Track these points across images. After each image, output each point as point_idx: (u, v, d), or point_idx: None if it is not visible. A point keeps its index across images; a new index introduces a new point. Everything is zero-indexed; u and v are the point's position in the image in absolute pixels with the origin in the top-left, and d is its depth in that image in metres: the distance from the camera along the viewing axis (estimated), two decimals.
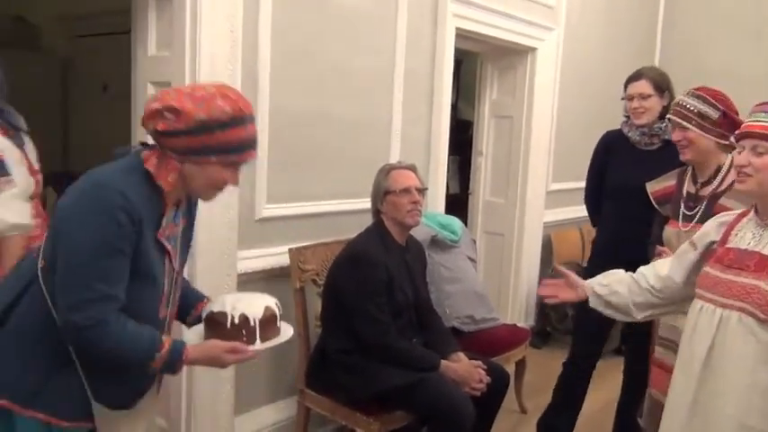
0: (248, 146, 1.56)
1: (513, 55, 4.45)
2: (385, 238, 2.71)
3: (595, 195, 3.12)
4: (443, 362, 2.63)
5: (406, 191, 2.69)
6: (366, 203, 2.84)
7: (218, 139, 1.49)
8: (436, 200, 3.79)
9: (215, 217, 2.64)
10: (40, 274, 1.48)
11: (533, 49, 4.42)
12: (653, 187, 2.61)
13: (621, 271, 2.08)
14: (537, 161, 4.56)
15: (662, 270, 1.97)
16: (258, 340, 1.61)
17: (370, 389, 2.56)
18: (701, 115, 2.28)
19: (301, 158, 3.05)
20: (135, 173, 1.49)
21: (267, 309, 1.64)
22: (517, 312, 4.66)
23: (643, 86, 2.83)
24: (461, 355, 2.73)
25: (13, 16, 5.23)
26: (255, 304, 1.63)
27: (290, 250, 2.85)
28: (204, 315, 1.66)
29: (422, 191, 2.76)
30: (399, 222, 2.71)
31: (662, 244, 2.42)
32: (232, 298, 1.65)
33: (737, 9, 5.40)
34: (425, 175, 3.48)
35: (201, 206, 2.57)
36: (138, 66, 2.72)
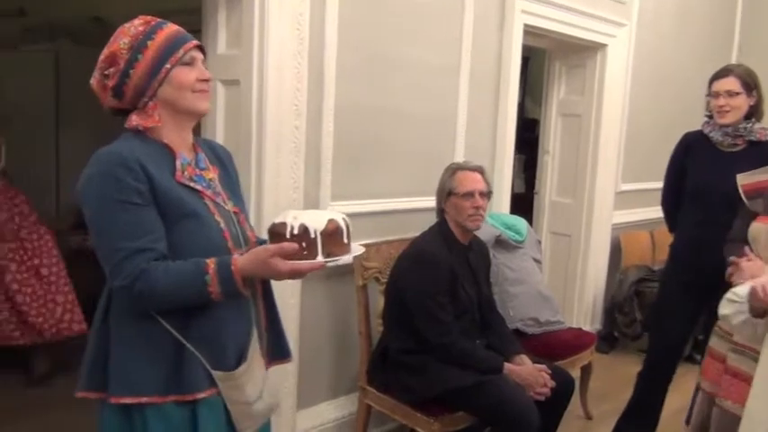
0: (183, 37, 1.57)
1: (582, 52, 4.35)
2: (448, 238, 2.68)
3: (673, 198, 3.01)
4: (507, 364, 2.58)
5: (470, 194, 2.65)
6: (430, 202, 2.82)
7: (155, 48, 1.52)
8: (501, 199, 3.73)
9: (280, 213, 2.66)
10: None
11: (603, 46, 4.30)
12: (744, 180, 2.48)
13: None
14: (606, 161, 4.44)
15: None
16: (320, 254, 1.47)
17: (431, 389, 2.54)
18: None
19: (366, 156, 3.05)
20: (131, 138, 1.54)
21: (331, 221, 1.50)
22: (583, 315, 4.55)
23: (731, 83, 2.71)
24: (525, 357, 2.68)
25: (91, 17, 5.45)
26: (319, 216, 1.51)
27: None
28: (268, 228, 1.57)
29: (487, 194, 2.71)
30: (460, 225, 2.68)
31: (745, 241, 2.30)
32: (297, 211, 1.55)
33: None
34: (490, 174, 3.43)
35: (266, 204, 2.63)
36: (208, 64, 2.76)
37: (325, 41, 2.79)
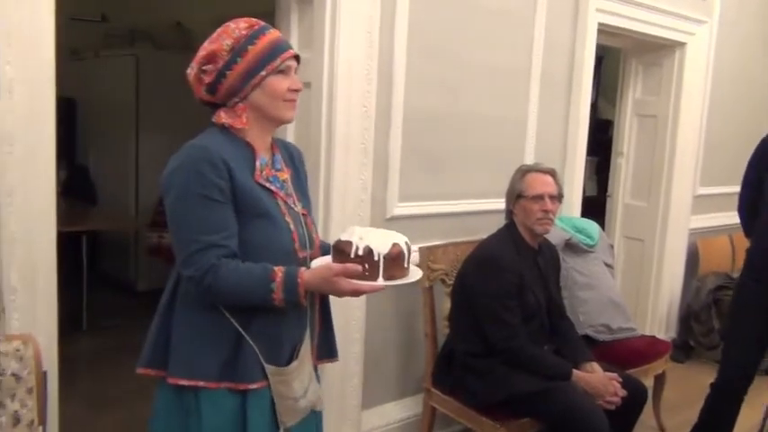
0: (283, 46, 1.61)
1: (659, 50, 4.21)
2: (517, 241, 2.65)
3: (751, 203, 2.88)
4: (576, 371, 2.53)
5: (539, 197, 2.60)
6: (499, 204, 2.79)
7: (255, 53, 1.56)
8: (572, 202, 3.66)
9: (347, 214, 2.70)
10: None
11: (682, 44, 4.15)
12: None
13: None
14: (683, 163, 4.29)
15: None
16: (381, 277, 1.52)
17: (497, 393, 2.51)
18: None
19: (434, 157, 3.05)
20: (217, 133, 1.59)
21: (395, 245, 1.54)
22: (657, 323, 4.41)
23: None
24: (595, 365, 2.61)
25: (172, 23, 5.65)
26: (383, 239, 1.55)
27: (420, 249, 2.86)
28: (333, 242, 1.62)
29: (557, 197, 2.65)
30: (529, 228, 2.64)
31: None
32: (362, 230, 1.59)
33: None
34: (561, 177, 3.36)
35: (335, 204, 2.66)
36: None
37: (395, 44, 2.80)
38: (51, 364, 2.04)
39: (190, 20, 5.63)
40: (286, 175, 1.70)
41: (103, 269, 5.70)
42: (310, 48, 2.70)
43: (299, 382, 1.65)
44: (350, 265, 1.51)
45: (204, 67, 1.59)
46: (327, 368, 2.74)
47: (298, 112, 2.71)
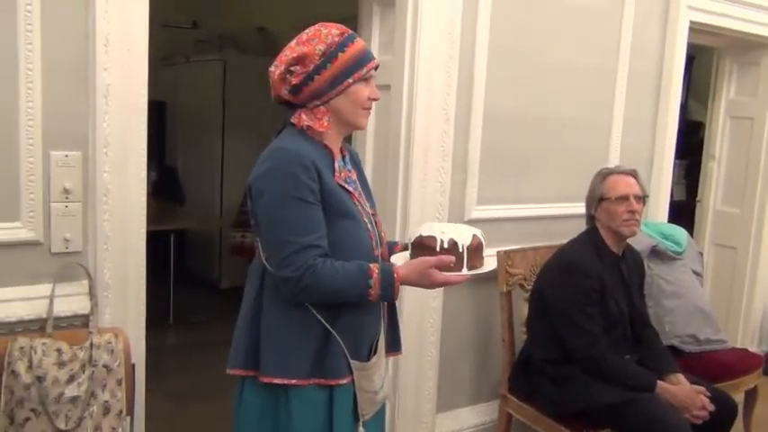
0: (369, 55, 1.65)
1: (756, 49, 4.00)
2: (599, 246, 2.57)
3: None
4: (660, 383, 2.43)
5: (624, 198, 2.53)
6: (580, 209, 2.72)
7: (344, 60, 1.59)
8: (658, 207, 3.55)
9: (426, 216, 2.69)
10: (261, 254, 1.63)
11: None
12: None
13: None
14: None
15: None
16: (465, 267, 1.60)
17: (576, 402, 2.45)
18: None
19: (514, 160, 3.01)
20: (298, 136, 1.63)
21: (475, 237, 1.62)
22: (749, 335, 4.19)
23: None
24: (681, 377, 2.51)
25: (257, 27, 5.81)
26: (463, 231, 1.63)
27: (498, 253, 2.82)
28: (412, 239, 1.66)
29: (642, 199, 2.57)
30: (614, 231, 2.56)
31: None
32: (439, 225, 1.67)
33: None
34: (647, 181, 3.26)
35: (413, 206, 2.67)
36: None
37: (476, 46, 2.78)
38: (139, 357, 2.13)
39: (273, 25, 5.77)
40: (354, 176, 1.75)
41: (189, 267, 5.91)
42: (391, 50, 2.71)
43: (378, 375, 1.71)
44: (445, 257, 1.57)
45: (292, 68, 1.61)
46: (402, 370, 2.75)
47: (377, 114, 2.78)
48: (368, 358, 1.68)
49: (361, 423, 1.67)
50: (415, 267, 1.58)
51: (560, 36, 3.05)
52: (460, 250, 1.58)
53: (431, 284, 1.61)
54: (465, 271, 1.60)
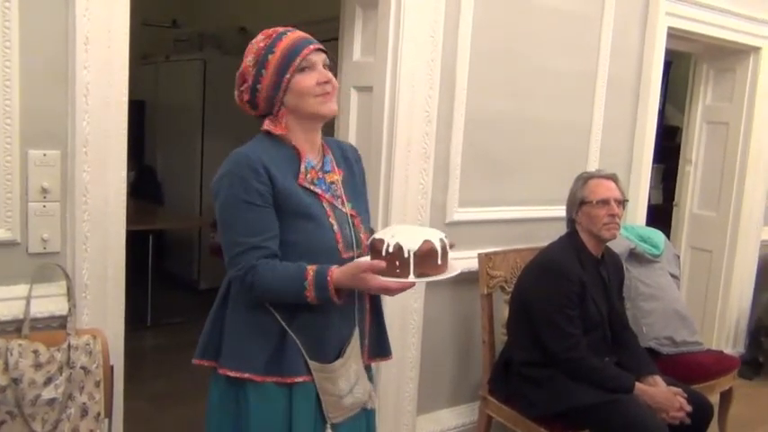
0: (301, 43, 1.64)
1: (732, 55, 4.07)
2: (579, 249, 2.59)
3: None
4: (638, 384, 2.46)
5: (604, 202, 2.55)
6: (560, 212, 2.74)
7: (275, 60, 1.61)
8: (636, 210, 3.58)
9: (407, 218, 2.70)
10: None
11: (757, 49, 4.01)
12: None
13: None
14: (756, 172, 4.13)
15: None
16: (411, 274, 1.52)
17: (556, 404, 2.46)
18: None
19: (495, 163, 3.02)
20: (264, 140, 1.67)
21: (426, 242, 1.53)
22: (724, 338, 4.25)
23: None
24: (659, 378, 2.54)
25: (238, 27, 5.78)
26: (415, 236, 1.54)
27: (479, 255, 2.83)
28: (369, 241, 1.63)
29: (622, 203, 2.60)
30: (594, 235, 2.58)
31: None
32: (399, 228, 1.61)
33: None
34: (626, 184, 3.29)
35: (395, 208, 2.67)
36: (344, 71, 2.85)
37: (458, 49, 2.79)
38: (118, 358, 2.11)
39: (254, 25, 5.73)
40: (336, 176, 1.74)
41: (167, 268, 5.85)
42: (374, 52, 2.71)
43: (345, 380, 1.69)
44: (375, 263, 1.52)
45: (241, 88, 1.69)
46: (383, 372, 2.75)
47: (359, 116, 2.78)
48: (333, 361, 1.67)
49: (329, 426, 1.67)
50: (348, 271, 1.55)
51: (542, 40, 3.07)
52: (405, 255, 1.51)
53: (367, 288, 1.58)
54: (412, 278, 1.52)
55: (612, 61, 3.34)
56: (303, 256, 1.60)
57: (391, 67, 2.64)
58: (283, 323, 1.62)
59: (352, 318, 1.71)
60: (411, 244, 1.52)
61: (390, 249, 1.52)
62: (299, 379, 1.63)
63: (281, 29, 1.68)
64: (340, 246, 1.67)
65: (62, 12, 1.95)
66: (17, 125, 1.92)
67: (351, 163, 1.82)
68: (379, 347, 1.84)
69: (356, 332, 1.72)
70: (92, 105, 1.99)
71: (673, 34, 3.57)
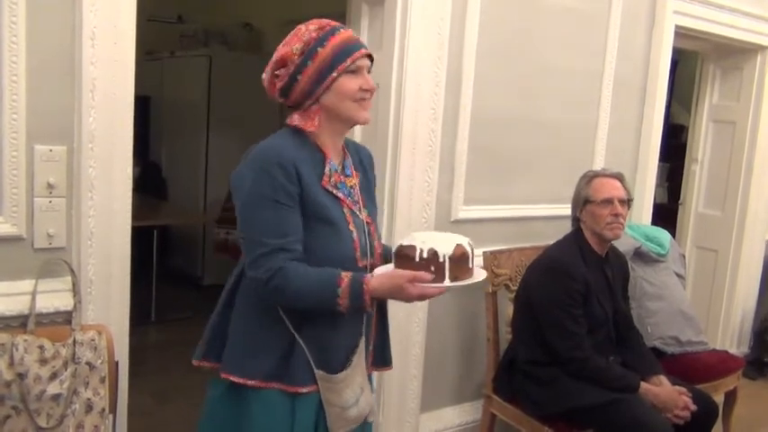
0: (354, 45, 1.59)
1: (739, 54, 4.05)
2: (583, 248, 2.58)
3: None
4: (643, 384, 2.45)
5: (608, 201, 2.54)
6: (566, 210, 2.73)
7: (325, 55, 1.55)
8: (642, 209, 3.58)
9: (412, 216, 2.70)
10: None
11: (764, 48, 4.00)
12: None
13: None
14: (762, 172, 4.12)
15: None
16: (447, 278, 1.52)
17: (560, 403, 2.46)
18: None
19: (501, 161, 3.01)
20: (289, 136, 1.60)
21: (458, 246, 1.53)
22: (729, 338, 4.24)
23: None
24: (663, 378, 2.53)
25: (243, 23, 5.78)
26: (447, 241, 1.54)
27: (484, 253, 2.83)
28: (394, 249, 1.60)
29: (626, 202, 2.59)
30: (598, 234, 2.57)
31: None
32: (424, 234, 1.59)
33: None
34: (631, 183, 3.28)
35: (400, 206, 2.67)
36: None
37: (465, 46, 2.78)
38: (122, 354, 2.11)
39: (259, 21, 5.74)
40: (354, 180, 1.69)
41: (171, 264, 5.86)
42: (380, 49, 2.70)
43: (351, 391, 1.65)
44: (420, 273, 1.50)
45: (277, 72, 1.60)
46: (388, 373, 2.74)
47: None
48: (340, 371, 1.63)
49: None
50: (390, 280, 1.51)
51: (548, 38, 3.06)
52: (441, 260, 1.51)
53: (407, 298, 1.53)
54: (447, 282, 1.52)
55: (619, 60, 3.33)
56: (320, 263, 1.54)
57: (398, 64, 2.63)
58: (293, 329, 1.57)
59: (360, 327, 1.67)
60: (445, 249, 1.52)
61: (425, 255, 1.51)
62: (305, 389, 1.59)
63: (334, 23, 1.62)
64: (357, 254, 1.62)
65: (69, 7, 1.95)
66: (23, 121, 1.91)
67: (366, 168, 1.78)
68: (381, 357, 1.81)
69: (362, 342, 1.68)
70: (98, 101, 1.99)
71: (680, 33, 3.55)
